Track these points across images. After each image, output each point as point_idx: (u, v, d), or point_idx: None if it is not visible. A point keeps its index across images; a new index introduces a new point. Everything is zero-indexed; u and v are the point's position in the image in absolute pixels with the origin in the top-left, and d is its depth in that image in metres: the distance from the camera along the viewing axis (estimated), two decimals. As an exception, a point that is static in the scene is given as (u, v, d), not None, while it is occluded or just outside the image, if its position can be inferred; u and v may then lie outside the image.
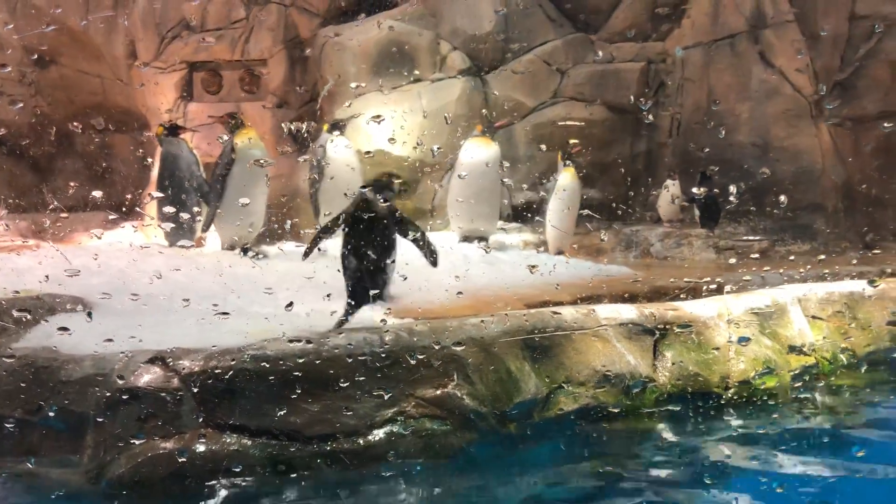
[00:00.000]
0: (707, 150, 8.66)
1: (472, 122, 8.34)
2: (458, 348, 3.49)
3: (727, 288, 5.19)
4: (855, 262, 7.39)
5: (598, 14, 9.77)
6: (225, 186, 6.11)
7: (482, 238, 7.05)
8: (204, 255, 6.17)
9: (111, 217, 8.81)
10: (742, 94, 8.87)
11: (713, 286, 5.39)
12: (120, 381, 3.10)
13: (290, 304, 3.96)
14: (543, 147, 8.41)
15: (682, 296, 5.34)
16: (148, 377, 3.12)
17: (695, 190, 8.43)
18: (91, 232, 7.61)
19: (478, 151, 6.70)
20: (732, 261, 7.70)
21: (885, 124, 8.69)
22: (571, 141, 7.65)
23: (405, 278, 5.19)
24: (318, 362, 3.19)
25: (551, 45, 9.35)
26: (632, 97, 9.18)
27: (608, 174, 9.26)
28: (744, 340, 4.24)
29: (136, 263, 5.39)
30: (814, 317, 4.79)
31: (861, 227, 8.77)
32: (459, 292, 5.03)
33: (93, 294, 4.39)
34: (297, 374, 3.14)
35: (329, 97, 9.50)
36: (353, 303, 4.35)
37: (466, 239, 7.04)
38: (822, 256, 7.83)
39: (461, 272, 6.21)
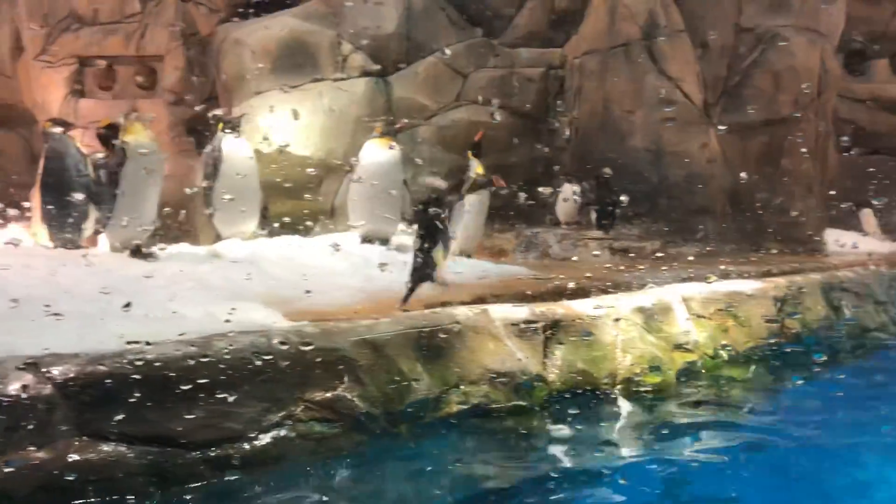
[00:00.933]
0: (600, 155, 8.92)
1: (377, 123, 8.30)
2: (349, 350, 3.47)
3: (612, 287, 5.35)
4: (741, 262, 7.74)
5: (500, 19, 9.91)
6: (116, 185, 5.89)
7: (383, 240, 7.04)
8: (94, 256, 5.92)
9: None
10: (636, 101, 9.17)
11: (605, 285, 5.55)
12: (-12, 390, 2.93)
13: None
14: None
15: (576, 295, 5.47)
16: (19, 384, 2.97)
17: (591, 195, 8.68)
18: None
19: (378, 153, 6.69)
20: (613, 264, 7.91)
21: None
22: (477, 137, 7.65)
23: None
24: (203, 366, 3.12)
25: (453, 49, 9.42)
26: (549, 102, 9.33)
27: (510, 177, 9.37)
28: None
29: (16, 265, 5.12)
30: (697, 315, 5.00)
31: (746, 229, 9.20)
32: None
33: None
34: (179, 378, 3.05)
35: (227, 95, 9.29)
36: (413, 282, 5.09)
37: (367, 240, 7.01)
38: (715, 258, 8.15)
39: (362, 274, 6.19)
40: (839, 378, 5.39)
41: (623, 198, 7.96)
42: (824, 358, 5.28)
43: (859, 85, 12.71)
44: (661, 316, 4.74)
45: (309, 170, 8.23)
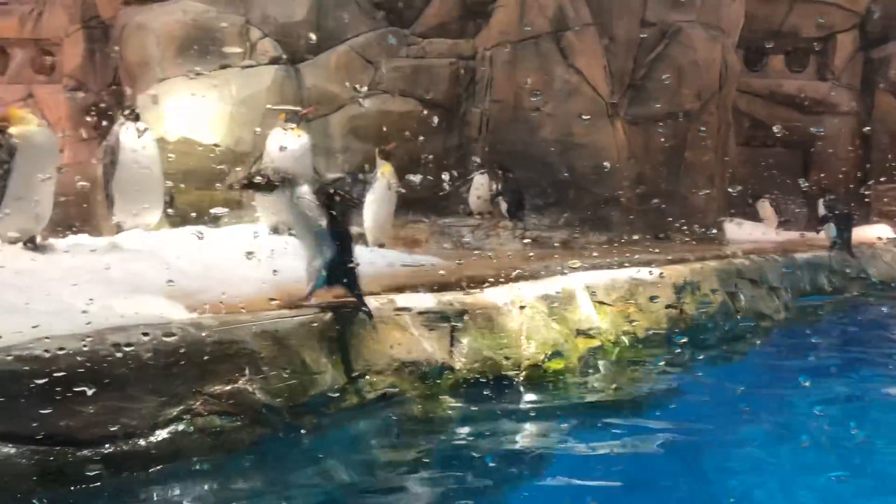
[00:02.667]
0: (511, 146, 9.03)
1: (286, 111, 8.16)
2: (250, 342, 3.42)
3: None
4: (645, 250, 7.97)
5: (410, 9, 9.87)
6: (8, 176, 5.60)
7: (292, 229, 6.94)
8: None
9: None
10: (546, 93, 9.30)
11: (513, 274, 5.62)
12: None
13: None
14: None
15: (485, 284, 5.53)
16: None
17: (501, 185, 8.79)
18: None
19: (284, 140, 6.58)
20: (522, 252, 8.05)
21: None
22: (387, 145, 7.71)
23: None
24: (94, 361, 3.02)
25: (364, 38, 9.35)
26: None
27: (422, 168, 9.39)
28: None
29: None
30: (600, 302, 5.14)
31: (650, 218, 9.48)
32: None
33: None
34: (68, 374, 2.95)
35: (131, 81, 8.97)
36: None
37: (276, 230, 6.89)
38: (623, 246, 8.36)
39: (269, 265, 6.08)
40: (733, 361, 5.66)
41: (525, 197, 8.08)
42: (684, 340, 5.45)
43: (757, 80, 13.25)
44: (565, 303, 4.84)
45: (219, 159, 8.04)
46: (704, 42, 9.94)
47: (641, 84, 9.83)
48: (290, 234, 6.85)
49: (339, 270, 4.08)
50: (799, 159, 13.40)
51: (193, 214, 6.86)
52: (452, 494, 3.23)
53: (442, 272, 6.24)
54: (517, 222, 8.77)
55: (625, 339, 5.10)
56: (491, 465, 3.54)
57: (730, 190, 10.47)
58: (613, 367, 4.90)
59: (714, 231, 9.96)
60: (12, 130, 5.50)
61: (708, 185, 10.06)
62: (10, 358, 2.90)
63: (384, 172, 7.55)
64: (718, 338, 6.00)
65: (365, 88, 8.79)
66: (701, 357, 5.50)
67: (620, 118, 9.62)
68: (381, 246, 7.57)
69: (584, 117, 9.16)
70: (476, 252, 8.62)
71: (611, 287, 5.27)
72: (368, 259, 6.29)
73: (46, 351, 2.97)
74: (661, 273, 5.84)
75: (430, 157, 9.30)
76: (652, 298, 5.54)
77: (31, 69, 11.12)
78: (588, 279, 5.19)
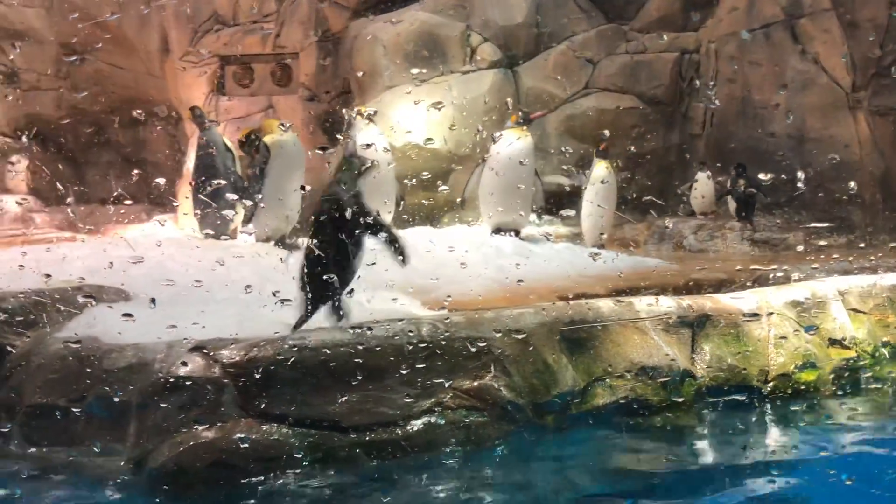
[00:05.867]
0: (738, 142, 8.56)
1: (505, 114, 8.30)
2: (496, 340, 3.49)
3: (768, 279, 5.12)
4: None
5: (630, 4, 9.67)
6: (263, 179, 6.16)
7: (515, 230, 7.03)
8: (238, 247, 6.21)
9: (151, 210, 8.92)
10: (778, 85, 8.73)
11: (751, 278, 5.32)
12: (162, 371, 3.14)
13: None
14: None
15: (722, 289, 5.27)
16: (190, 367, 3.16)
17: (730, 183, 8.34)
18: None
19: (512, 143, 6.67)
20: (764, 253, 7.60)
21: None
22: (605, 133, 7.60)
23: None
24: (359, 352, 3.21)
25: (583, 36, 9.28)
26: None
27: (641, 166, 9.18)
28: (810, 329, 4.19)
29: (175, 255, 5.45)
30: (854, 310, 4.71)
31: (897, 219, 8.61)
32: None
33: (136, 285, 4.45)
34: (334, 364, 3.16)
35: (360, 90, 9.51)
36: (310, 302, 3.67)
37: (498, 231, 7.02)
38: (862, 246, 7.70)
39: (494, 265, 6.20)
40: None
41: (763, 181, 7.59)
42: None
43: None
44: (816, 311, 4.48)
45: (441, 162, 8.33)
46: (965, 23, 8.86)
47: (888, 72, 8.93)
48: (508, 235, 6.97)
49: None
50: None
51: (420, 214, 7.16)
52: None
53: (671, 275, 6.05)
54: (746, 223, 8.29)
55: (884, 351, 4.63)
56: (729, 477, 3.36)
57: None
58: (872, 380, 4.47)
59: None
60: (267, 139, 6.04)
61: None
62: (286, 348, 3.15)
63: (602, 171, 7.46)
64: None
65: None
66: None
67: (864, 109, 8.81)
68: (601, 247, 7.47)
69: (821, 109, 8.48)
70: (700, 254, 8.28)
71: (867, 293, 4.81)
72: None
73: (315, 342, 3.21)
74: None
75: (650, 155, 9.07)
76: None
77: (271, 82, 12.10)
78: (841, 284, 4.77)
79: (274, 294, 3.70)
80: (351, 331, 3.31)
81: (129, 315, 3.56)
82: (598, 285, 5.89)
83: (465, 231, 7.21)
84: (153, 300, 3.73)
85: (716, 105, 8.98)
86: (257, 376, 3.10)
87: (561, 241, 7.88)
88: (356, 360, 3.20)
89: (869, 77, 8.92)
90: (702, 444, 3.74)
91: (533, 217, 7.48)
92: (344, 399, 3.14)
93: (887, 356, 4.62)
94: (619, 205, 8.01)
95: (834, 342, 4.44)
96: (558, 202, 8.35)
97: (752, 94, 8.81)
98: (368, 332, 3.32)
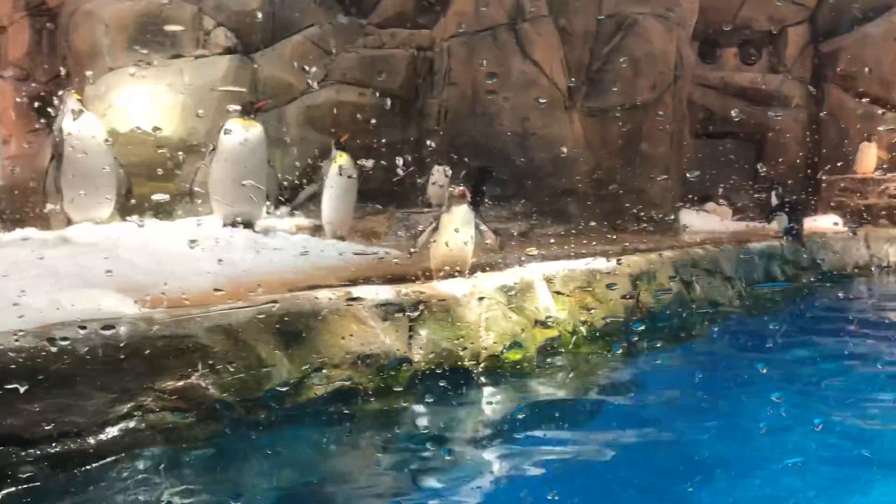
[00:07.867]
0: (469, 137, 9.00)
1: (241, 102, 8.03)
2: (204, 337, 3.35)
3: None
4: (602, 241, 8.02)
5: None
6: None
7: (247, 223, 6.83)
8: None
9: None
10: (503, 85, 9.29)
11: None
12: None
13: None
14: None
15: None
16: None
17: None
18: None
19: (238, 133, 6.45)
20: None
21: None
22: (342, 136, 7.64)
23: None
24: (43, 357, 2.92)
25: (320, 28, 9.24)
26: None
27: (381, 159, 9.32)
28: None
29: None
30: (558, 292, 5.14)
31: (607, 208, 9.55)
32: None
33: None
34: (12, 371, 2.85)
35: (79, 70, 8.73)
36: None
37: (231, 223, 6.77)
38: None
39: (223, 258, 5.97)
40: (690, 349, 5.72)
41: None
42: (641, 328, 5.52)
43: (711, 72, 13.41)
44: (523, 294, 4.83)
45: (163, 150, 7.88)
46: (660, 34, 10.02)
47: (597, 75, 9.87)
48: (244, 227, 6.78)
49: None
50: (752, 151, 13.60)
51: (146, 206, 6.73)
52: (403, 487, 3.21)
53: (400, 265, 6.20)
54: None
55: (582, 329, 5.11)
56: (450, 460, 3.51)
57: (688, 175, 10.54)
58: (572, 357, 4.91)
59: (669, 221, 10.06)
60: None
61: (663, 176, 10.16)
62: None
63: (340, 163, 7.46)
64: (674, 326, 6.07)
65: (314, 70, 8.67)
66: (658, 345, 5.54)
67: (577, 109, 9.66)
68: (342, 239, 7.49)
69: (540, 101, 9.14)
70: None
71: (568, 277, 5.28)
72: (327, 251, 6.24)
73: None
74: (617, 264, 5.86)
75: (387, 148, 9.24)
76: (609, 286, 5.56)
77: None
78: (546, 270, 5.18)
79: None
80: (33, 335, 3.00)
81: None
82: (332, 276, 5.89)
83: (196, 224, 6.86)
84: None
85: (446, 101, 9.35)
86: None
87: (303, 232, 7.79)
88: (40, 367, 2.91)
89: (581, 80, 9.80)
90: (418, 427, 3.87)
91: (270, 208, 7.31)
92: (23, 409, 2.85)
93: (584, 335, 5.11)
94: (359, 196, 8.07)
95: (538, 323, 4.82)
96: (296, 194, 8.26)
97: (480, 92, 9.29)
98: (56, 335, 3.03)
